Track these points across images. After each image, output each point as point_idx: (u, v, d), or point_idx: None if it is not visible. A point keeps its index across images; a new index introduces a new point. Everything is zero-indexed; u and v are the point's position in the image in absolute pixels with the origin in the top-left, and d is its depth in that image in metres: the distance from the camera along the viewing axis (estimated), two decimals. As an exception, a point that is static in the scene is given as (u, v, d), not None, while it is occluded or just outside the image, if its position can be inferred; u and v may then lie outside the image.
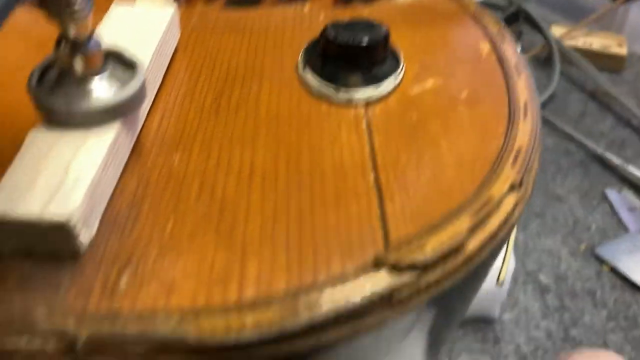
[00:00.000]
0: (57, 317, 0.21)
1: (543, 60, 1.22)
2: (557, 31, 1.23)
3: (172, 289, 0.22)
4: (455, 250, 0.23)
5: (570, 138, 1.02)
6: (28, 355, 0.20)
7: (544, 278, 0.80)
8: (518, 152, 0.27)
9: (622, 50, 1.17)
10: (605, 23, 1.26)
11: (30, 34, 0.37)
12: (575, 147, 1.01)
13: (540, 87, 1.14)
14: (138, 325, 0.21)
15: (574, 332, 0.74)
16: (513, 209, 0.25)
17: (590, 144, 1.00)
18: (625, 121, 1.07)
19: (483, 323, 0.77)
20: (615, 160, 0.96)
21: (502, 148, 0.27)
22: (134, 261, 0.23)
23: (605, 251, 0.82)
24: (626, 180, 0.94)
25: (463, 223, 0.23)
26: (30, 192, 0.23)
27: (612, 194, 0.92)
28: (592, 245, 0.84)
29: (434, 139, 0.29)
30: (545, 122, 1.06)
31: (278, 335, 0.20)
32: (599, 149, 0.98)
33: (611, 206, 0.90)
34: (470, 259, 0.23)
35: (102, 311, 0.21)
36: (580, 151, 1.00)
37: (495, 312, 0.78)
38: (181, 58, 0.36)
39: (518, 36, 1.25)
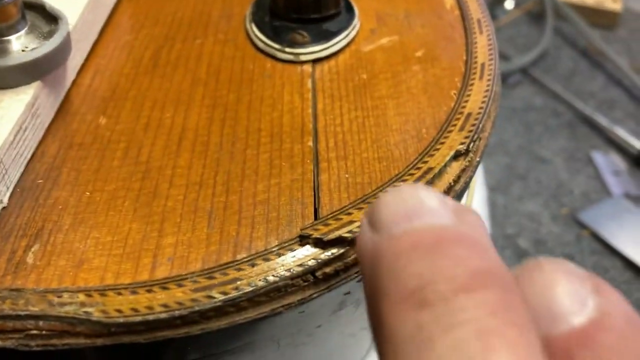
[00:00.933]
0: (-43, 294, 0.19)
1: (536, 15, 1.19)
2: (551, -14, 1.19)
3: (81, 265, 0.20)
4: (388, 224, 0.21)
5: (559, 98, 1.00)
6: None
7: (523, 242, 0.79)
8: (468, 117, 0.25)
9: (617, 6, 1.13)
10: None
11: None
12: (564, 107, 0.99)
13: (532, 43, 1.11)
14: (41, 304, 0.19)
15: (549, 296, 0.74)
16: (457, 179, 0.23)
17: (579, 104, 0.98)
18: (616, 81, 1.04)
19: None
20: (603, 121, 0.93)
21: (451, 111, 0.25)
22: (45, 233, 0.22)
23: (586, 216, 0.81)
24: (613, 143, 0.92)
25: (398, 195, 0.22)
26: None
27: (598, 157, 0.90)
28: (574, 209, 0.83)
29: (382, 101, 0.27)
30: (535, 81, 1.04)
31: (188, 317, 0.19)
32: (588, 110, 0.96)
33: (596, 169, 0.88)
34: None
35: (4, 288, 0.20)
36: (569, 111, 0.98)
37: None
38: (125, 8, 0.33)
39: (511, -10, 1.21)
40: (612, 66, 1.05)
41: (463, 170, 0.23)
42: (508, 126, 0.95)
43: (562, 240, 0.79)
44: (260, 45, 0.29)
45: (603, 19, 1.14)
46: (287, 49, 0.29)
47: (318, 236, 0.20)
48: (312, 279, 0.20)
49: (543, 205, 0.83)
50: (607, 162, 0.89)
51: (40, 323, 0.19)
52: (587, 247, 0.78)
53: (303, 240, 0.21)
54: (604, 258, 0.77)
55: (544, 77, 1.03)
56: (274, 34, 0.29)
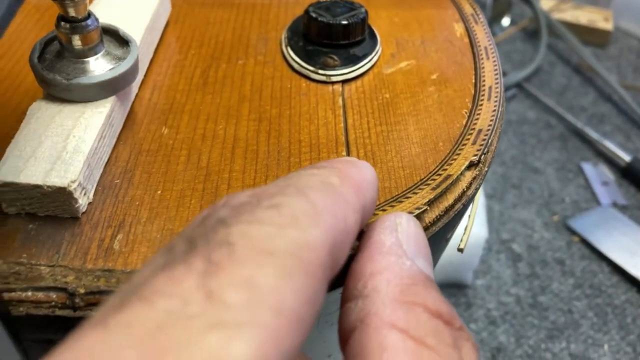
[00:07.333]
0: (58, 273, 0.24)
1: (531, 33, 1.24)
2: (546, 4, 1.25)
3: (160, 250, 0.25)
4: (414, 221, 0.26)
5: (552, 111, 1.05)
6: (34, 305, 0.23)
7: (517, 247, 0.83)
8: (479, 133, 0.29)
9: (608, 25, 1.19)
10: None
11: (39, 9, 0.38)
12: (556, 120, 1.04)
13: (527, 59, 1.16)
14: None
15: (541, 298, 0.79)
16: (469, 185, 0.28)
17: (571, 117, 1.03)
18: (606, 96, 1.09)
19: (457, 288, 0.81)
20: (593, 134, 0.98)
21: (464, 128, 0.30)
22: (126, 224, 0.26)
23: (576, 223, 0.86)
24: (602, 155, 0.97)
25: (423, 196, 0.26)
26: (35, 160, 0.26)
27: (588, 168, 0.95)
28: (565, 216, 0.88)
29: (403, 118, 0.31)
30: (529, 96, 1.09)
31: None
32: (579, 123, 1.01)
33: (586, 179, 0.93)
34: (425, 230, 0.26)
35: (98, 269, 0.24)
36: (561, 125, 1.03)
37: (468, 278, 0.81)
38: (172, 30, 0.38)
39: (508, 8, 1.26)
40: (602, 82, 1.11)
41: (474, 178, 0.28)
42: (503, 138, 1.00)
43: (554, 246, 0.84)
44: (296, 66, 0.34)
45: (595, 37, 1.20)
46: (320, 71, 0.33)
47: (357, 230, 0.25)
48: (348, 267, 0.25)
49: (536, 212, 0.88)
50: (597, 173, 0.94)
51: (130, 297, 0.23)
52: (577, 253, 0.83)
53: (344, 233, 0.25)
54: (592, 263, 0.82)
55: (537, 92, 1.09)
56: (308, 57, 0.34)
